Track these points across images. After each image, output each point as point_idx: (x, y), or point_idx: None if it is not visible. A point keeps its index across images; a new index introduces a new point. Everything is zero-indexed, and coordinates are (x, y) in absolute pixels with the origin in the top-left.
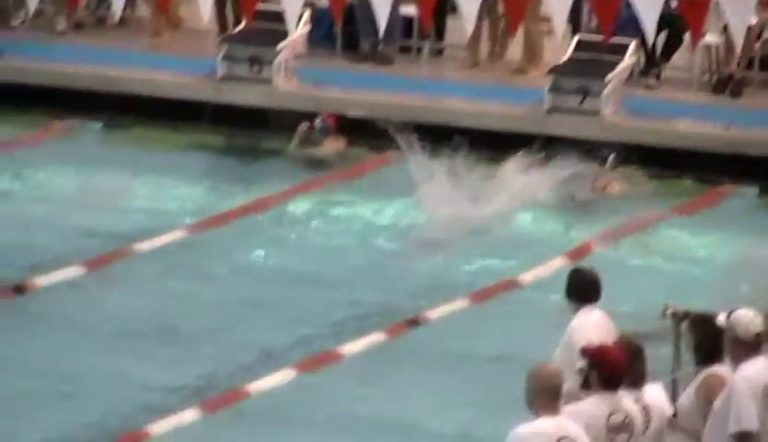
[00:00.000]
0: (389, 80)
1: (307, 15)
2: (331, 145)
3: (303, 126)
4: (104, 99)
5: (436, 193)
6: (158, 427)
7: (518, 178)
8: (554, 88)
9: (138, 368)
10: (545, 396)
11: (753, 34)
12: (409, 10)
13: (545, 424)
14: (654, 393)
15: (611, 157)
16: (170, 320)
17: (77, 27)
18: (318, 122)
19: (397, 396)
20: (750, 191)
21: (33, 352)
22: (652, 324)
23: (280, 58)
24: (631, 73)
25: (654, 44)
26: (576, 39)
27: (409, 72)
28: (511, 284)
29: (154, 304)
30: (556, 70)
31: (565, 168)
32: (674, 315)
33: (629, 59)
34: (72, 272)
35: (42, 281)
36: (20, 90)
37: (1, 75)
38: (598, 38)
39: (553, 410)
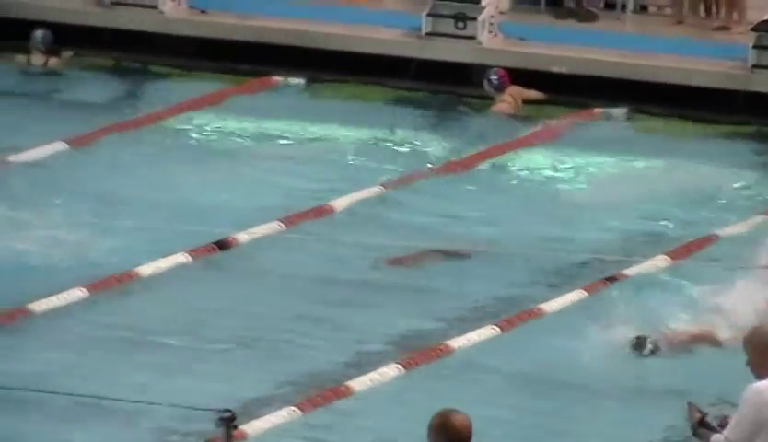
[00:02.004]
0: (593, 36)
1: None
2: (503, 104)
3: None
4: (308, 56)
5: None
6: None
7: None
8: (758, 46)
9: (353, 318)
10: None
11: None
12: None
13: None
14: None
15: None
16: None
17: None
18: (491, 77)
19: None
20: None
21: (248, 302)
22: None
23: (485, 14)
24: None
25: None
26: None
27: (613, 28)
28: None
29: (352, 258)
30: (760, 28)
31: None
32: None
33: None
34: (271, 227)
35: (243, 237)
36: (224, 46)
37: (205, 31)
38: None
39: None
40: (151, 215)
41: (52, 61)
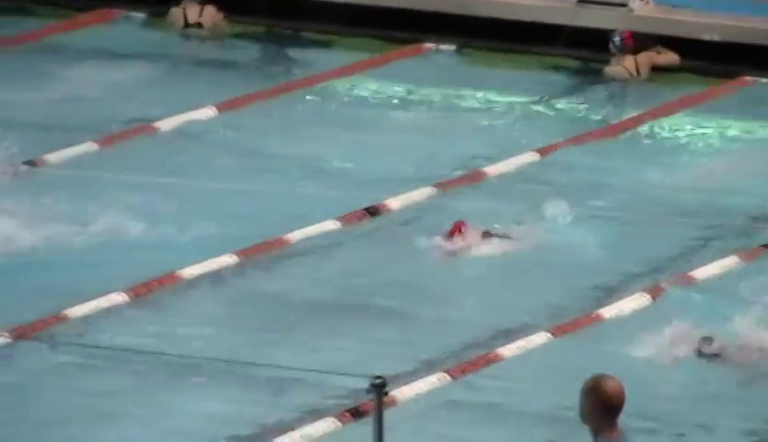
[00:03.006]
0: (745, 4)
1: None
2: (619, 67)
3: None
4: (459, 22)
5: None
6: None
7: None
8: None
9: (503, 286)
10: None
11: None
12: None
13: None
14: None
15: None
16: None
17: None
18: (615, 38)
19: None
20: None
21: (398, 270)
22: None
23: None
24: None
25: None
26: None
27: None
28: None
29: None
30: None
31: None
32: None
33: None
34: (425, 192)
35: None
36: (376, 12)
37: None
38: None
39: None
40: (300, 180)
41: (208, 10)
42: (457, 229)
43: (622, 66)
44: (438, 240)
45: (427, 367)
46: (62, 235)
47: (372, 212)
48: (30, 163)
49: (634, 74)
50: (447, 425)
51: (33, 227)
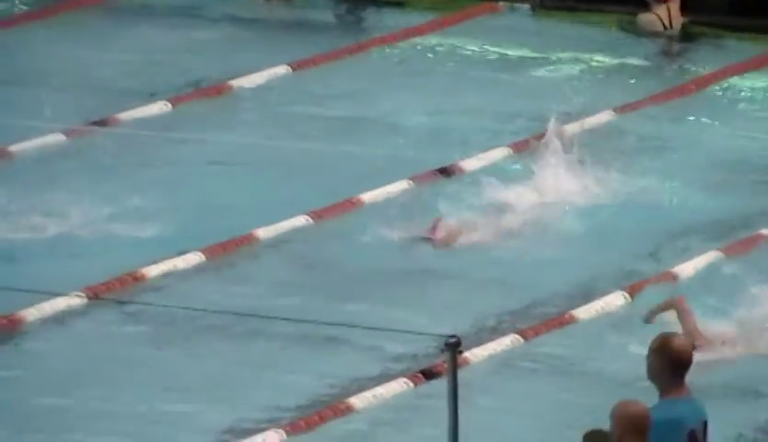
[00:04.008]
0: None
1: None
2: (651, 16)
3: None
4: None
5: None
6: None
7: None
8: None
9: (582, 247)
10: None
11: None
12: None
13: None
14: None
15: None
16: None
17: None
18: None
19: None
20: None
21: None
22: None
23: None
24: None
25: None
26: None
27: None
28: None
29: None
30: None
31: None
32: None
33: None
34: (501, 153)
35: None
36: None
37: None
38: None
39: None
40: (373, 140)
41: None
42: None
43: (653, 16)
44: (510, 199)
45: (499, 329)
46: (149, 200)
47: (445, 172)
48: (101, 123)
49: (666, 24)
50: (517, 384)
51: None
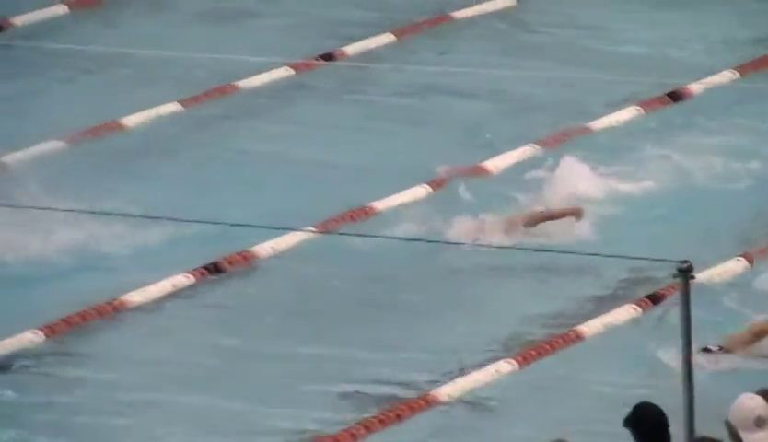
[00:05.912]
0: None
1: None
2: None
3: None
4: None
5: None
6: None
7: None
8: None
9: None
10: None
11: None
12: None
13: None
14: None
15: None
16: None
17: None
18: None
19: None
20: None
21: None
22: None
23: None
24: None
25: None
26: None
27: None
28: None
29: None
30: None
31: None
32: None
33: None
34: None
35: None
36: None
37: None
38: None
39: None
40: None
41: None
42: None
43: None
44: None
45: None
46: None
47: None
48: (328, 57)
49: None
50: (742, 305)
51: None
